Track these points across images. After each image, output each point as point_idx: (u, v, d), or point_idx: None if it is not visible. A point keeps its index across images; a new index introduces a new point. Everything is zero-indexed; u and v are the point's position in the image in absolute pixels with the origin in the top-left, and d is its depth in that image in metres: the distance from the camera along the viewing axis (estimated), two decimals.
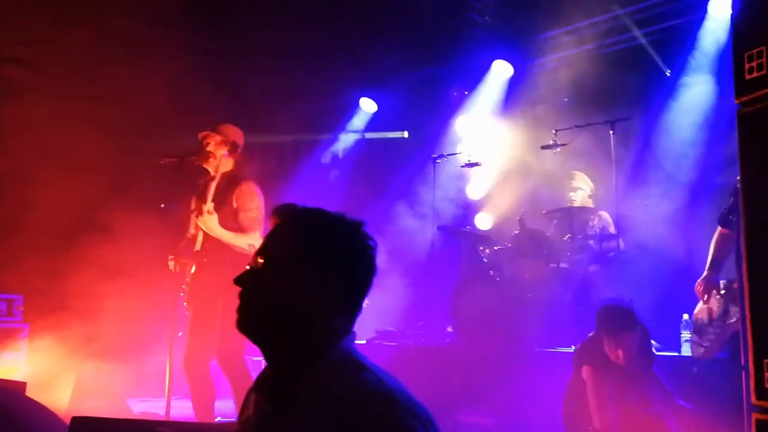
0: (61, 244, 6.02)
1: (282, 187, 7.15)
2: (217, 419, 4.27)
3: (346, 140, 8.35)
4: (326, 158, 8.25)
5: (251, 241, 4.12)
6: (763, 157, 1.65)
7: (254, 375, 4.12)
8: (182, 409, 5.78)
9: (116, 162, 6.65)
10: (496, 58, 7.36)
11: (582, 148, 6.25)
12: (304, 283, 1.50)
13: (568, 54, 7.13)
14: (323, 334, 1.51)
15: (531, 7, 7.03)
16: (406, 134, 7.91)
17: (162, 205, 5.65)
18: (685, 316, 4.73)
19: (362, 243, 1.58)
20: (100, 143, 6.64)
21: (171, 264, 4.27)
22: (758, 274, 1.59)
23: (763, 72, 1.64)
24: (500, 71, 7.47)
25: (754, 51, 1.66)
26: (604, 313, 3.78)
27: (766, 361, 1.55)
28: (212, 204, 4.14)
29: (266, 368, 1.60)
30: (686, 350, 4.64)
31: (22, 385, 4.17)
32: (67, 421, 3.62)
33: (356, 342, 1.60)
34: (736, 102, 1.72)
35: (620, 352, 3.63)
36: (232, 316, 4.28)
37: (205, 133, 4.38)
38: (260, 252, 1.58)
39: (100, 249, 5.83)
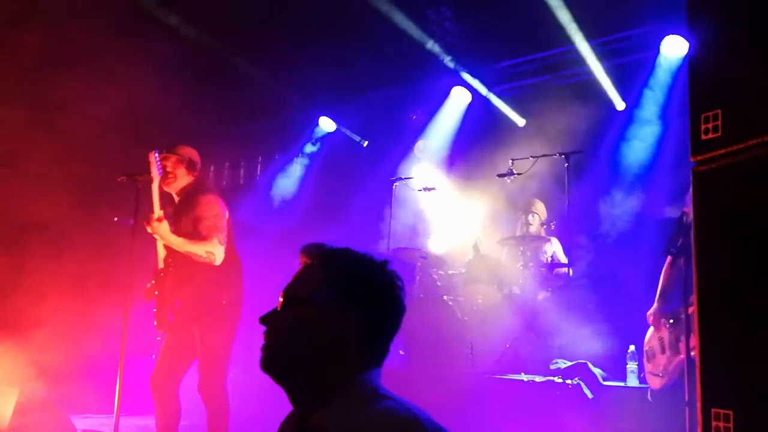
0: (5, 255, 5.84)
1: (237, 204, 7.09)
2: None
3: (303, 160, 8.35)
4: (284, 176, 8.23)
5: (209, 248, 4.01)
6: (717, 213, 1.74)
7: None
8: (129, 428, 5.67)
9: (66, 171, 6.49)
10: (456, 84, 7.48)
11: (537, 177, 6.41)
12: (324, 322, 1.53)
13: (526, 83, 7.30)
14: (343, 371, 1.53)
15: (490, 37, 7.18)
16: (365, 143, 7.98)
17: (115, 219, 5.54)
18: (632, 348, 4.87)
19: (387, 282, 1.60)
20: (50, 151, 6.50)
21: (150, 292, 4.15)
22: (710, 331, 1.67)
23: (719, 134, 1.73)
24: (459, 97, 7.60)
25: (710, 113, 1.76)
26: None
27: (714, 410, 1.62)
28: (161, 211, 4.05)
29: (291, 412, 1.62)
30: (632, 381, 4.77)
31: None
32: None
33: None
34: (692, 160, 1.81)
35: None
36: (211, 342, 4.19)
37: (162, 155, 4.31)
38: (284, 291, 1.60)
39: (46, 261, 5.68)
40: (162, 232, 3.97)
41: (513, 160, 6.01)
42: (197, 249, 3.98)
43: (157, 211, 4.02)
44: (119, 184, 4.46)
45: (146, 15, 6.76)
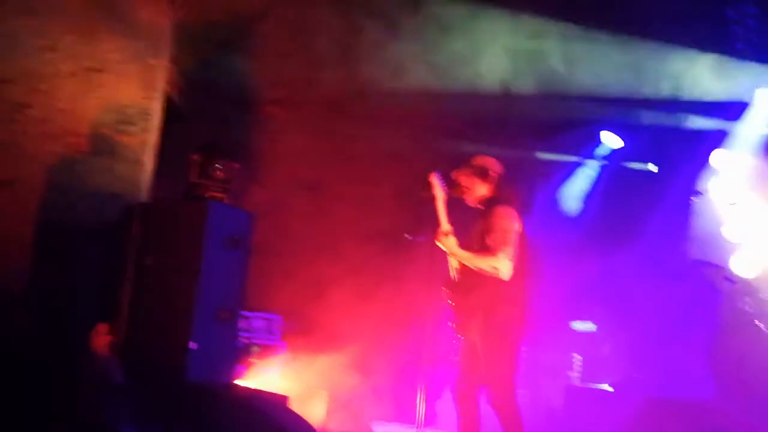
0: (315, 270, 6.45)
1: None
2: None
3: (587, 172, 8.01)
4: (567, 191, 7.97)
5: (495, 263, 3.98)
6: None
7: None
8: None
9: (364, 192, 7.02)
10: (762, 86, 6.69)
11: None
12: None
13: None
14: None
15: None
16: (654, 168, 7.45)
17: (406, 236, 5.80)
18: None
19: None
20: (348, 176, 7.08)
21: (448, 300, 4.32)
22: None
23: None
24: (764, 101, 6.77)
25: None
26: None
27: None
28: (449, 226, 4.17)
29: None
30: None
31: (285, 399, 4.48)
32: None
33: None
34: None
35: None
36: (495, 357, 4.18)
37: (455, 172, 4.44)
38: None
39: (349, 275, 6.14)
40: (449, 246, 4.13)
41: None
42: (482, 263, 4.03)
43: (445, 226, 4.16)
44: (413, 201, 4.67)
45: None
